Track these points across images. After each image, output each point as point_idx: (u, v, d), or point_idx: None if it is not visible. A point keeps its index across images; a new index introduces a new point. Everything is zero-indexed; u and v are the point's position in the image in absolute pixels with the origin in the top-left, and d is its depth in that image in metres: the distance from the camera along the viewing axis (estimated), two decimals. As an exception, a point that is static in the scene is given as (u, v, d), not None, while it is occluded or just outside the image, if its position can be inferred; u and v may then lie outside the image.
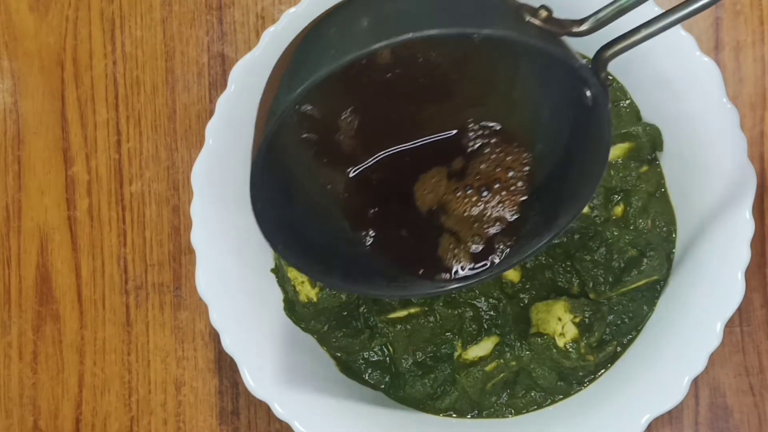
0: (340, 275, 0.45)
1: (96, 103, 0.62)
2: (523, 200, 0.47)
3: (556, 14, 0.37)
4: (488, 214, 0.47)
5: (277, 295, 0.56)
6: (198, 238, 0.53)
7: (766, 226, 0.58)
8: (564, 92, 0.42)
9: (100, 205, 0.62)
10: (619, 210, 0.55)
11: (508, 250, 0.46)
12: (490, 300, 0.55)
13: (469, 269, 0.47)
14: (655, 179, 0.55)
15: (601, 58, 0.38)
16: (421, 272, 0.46)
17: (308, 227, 0.45)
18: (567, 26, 0.37)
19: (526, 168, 0.47)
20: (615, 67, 0.56)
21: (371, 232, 0.47)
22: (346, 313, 0.56)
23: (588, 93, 0.38)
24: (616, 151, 0.55)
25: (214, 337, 0.60)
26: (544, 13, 0.36)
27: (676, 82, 0.53)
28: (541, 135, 0.47)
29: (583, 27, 0.37)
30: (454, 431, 0.55)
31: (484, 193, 0.47)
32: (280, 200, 0.43)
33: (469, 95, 0.47)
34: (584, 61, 0.37)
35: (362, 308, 0.56)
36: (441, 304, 0.55)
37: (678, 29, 0.52)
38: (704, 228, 0.52)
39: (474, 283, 0.46)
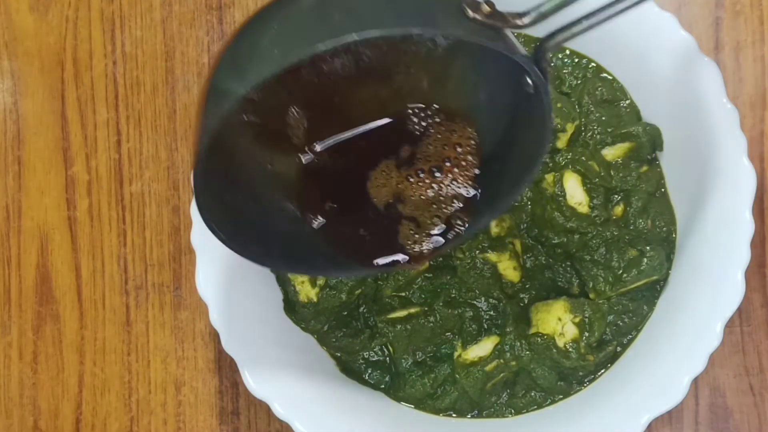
0: (280, 256, 0.45)
1: (96, 103, 0.62)
2: (476, 174, 0.47)
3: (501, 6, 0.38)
4: (445, 193, 0.47)
5: (277, 295, 0.56)
6: (198, 238, 0.53)
7: (766, 226, 0.57)
8: (505, 78, 0.42)
9: (100, 205, 0.62)
10: (619, 210, 0.55)
11: (465, 226, 0.47)
12: (490, 300, 0.55)
13: (426, 248, 0.47)
14: (655, 179, 0.55)
15: (543, 48, 0.39)
16: (376, 262, 0.47)
17: (250, 209, 0.45)
18: (509, 19, 0.38)
19: (473, 142, 0.47)
20: (615, 67, 0.56)
21: (320, 218, 0.47)
22: (346, 313, 0.56)
23: (529, 81, 0.39)
24: (616, 151, 0.55)
25: (214, 337, 0.60)
26: (486, 8, 0.37)
27: (676, 82, 0.53)
28: (482, 115, 0.47)
29: (525, 20, 0.38)
30: (454, 431, 0.55)
31: (437, 174, 0.47)
32: (222, 184, 0.43)
33: (409, 79, 0.47)
34: (525, 52, 0.38)
35: (362, 308, 0.56)
36: (441, 304, 0.55)
37: (678, 29, 0.52)
38: (704, 228, 0.52)
39: (428, 259, 0.47)
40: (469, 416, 0.55)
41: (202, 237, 0.53)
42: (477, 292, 0.55)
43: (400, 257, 0.47)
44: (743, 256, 0.50)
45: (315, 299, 0.55)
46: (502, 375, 0.54)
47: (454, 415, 0.56)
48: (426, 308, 0.55)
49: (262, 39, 0.37)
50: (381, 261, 0.47)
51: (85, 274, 0.62)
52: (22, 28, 0.63)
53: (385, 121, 0.47)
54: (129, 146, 0.62)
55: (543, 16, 0.38)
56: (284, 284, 0.56)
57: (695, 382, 0.50)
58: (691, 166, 0.53)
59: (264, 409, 0.57)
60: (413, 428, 0.55)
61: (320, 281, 0.55)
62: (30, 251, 0.63)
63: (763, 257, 0.57)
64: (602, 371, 0.55)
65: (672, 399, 0.50)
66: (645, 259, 0.54)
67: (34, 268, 0.62)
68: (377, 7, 0.36)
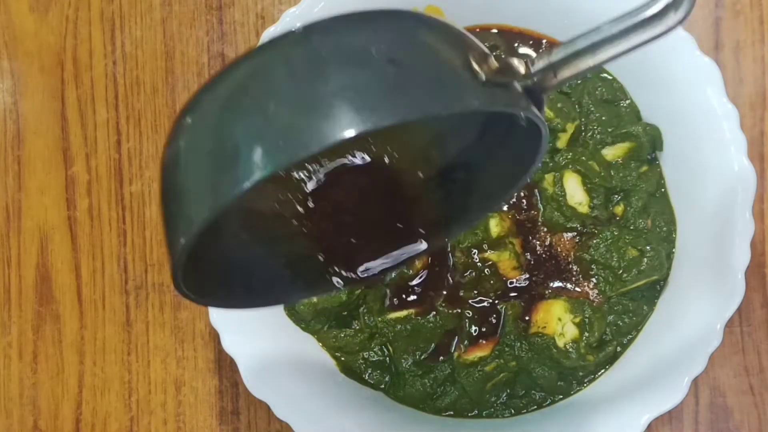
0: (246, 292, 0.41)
1: (96, 103, 0.62)
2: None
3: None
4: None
5: (277, 295, 0.56)
6: (198, 238, 0.53)
7: (766, 226, 0.57)
8: (483, 117, 0.39)
9: (100, 205, 0.62)
10: (619, 210, 0.55)
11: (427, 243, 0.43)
12: (490, 300, 0.55)
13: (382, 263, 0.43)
14: (655, 179, 0.55)
15: (543, 87, 0.34)
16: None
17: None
18: (518, 72, 0.33)
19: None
20: (615, 67, 0.56)
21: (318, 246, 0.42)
22: (345, 313, 0.56)
23: (524, 120, 0.35)
24: (616, 151, 0.55)
25: (214, 337, 0.60)
26: (494, 63, 0.33)
27: (676, 82, 0.53)
28: (444, 144, 0.42)
29: (534, 70, 0.33)
30: (454, 431, 0.55)
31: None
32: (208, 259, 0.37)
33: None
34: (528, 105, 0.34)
35: (362, 308, 0.56)
36: (441, 303, 0.55)
37: (678, 29, 0.52)
38: (704, 228, 0.52)
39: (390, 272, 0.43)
40: (469, 416, 0.55)
41: (202, 237, 0.53)
42: (476, 292, 0.55)
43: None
44: (743, 256, 0.50)
45: (315, 299, 0.55)
46: (502, 375, 0.54)
47: (453, 415, 0.56)
48: (426, 308, 0.55)
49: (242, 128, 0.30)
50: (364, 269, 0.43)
51: (85, 274, 0.62)
52: (22, 28, 0.63)
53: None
54: (129, 146, 0.62)
55: (553, 68, 0.33)
56: (284, 284, 0.56)
57: (695, 382, 0.50)
58: (691, 165, 0.53)
59: (264, 409, 0.57)
60: (413, 428, 0.55)
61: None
62: (30, 251, 0.63)
63: (763, 257, 0.57)
64: (602, 371, 0.55)
65: (672, 399, 0.50)
66: (645, 259, 0.54)
67: (34, 268, 0.62)
68: (382, 89, 0.30)
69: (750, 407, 0.57)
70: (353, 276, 0.43)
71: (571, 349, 0.53)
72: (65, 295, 0.62)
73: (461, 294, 0.55)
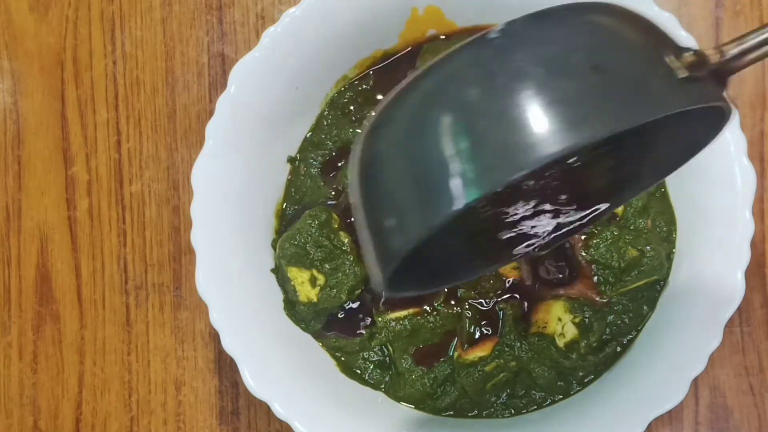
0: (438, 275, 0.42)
1: (96, 103, 0.62)
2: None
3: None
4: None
5: (277, 295, 0.56)
6: (198, 238, 0.53)
7: (766, 226, 0.57)
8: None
9: (100, 205, 0.62)
10: (619, 210, 0.55)
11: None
12: (490, 300, 0.55)
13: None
14: (655, 179, 0.55)
15: (730, 69, 0.34)
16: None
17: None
18: (710, 63, 0.33)
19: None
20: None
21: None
22: (342, 315, 0.56)
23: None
24: (616, 151, 0.55)
25: (214, 337, 0.60)
26: (690, 57, 0.32)
27: (676, 82, 0.53)
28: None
29: (726, 58, 0.34)
30: (454, 431, 0.55)
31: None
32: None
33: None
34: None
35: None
36: (441, 303, 0.55)
37: (678, 29, 0.52)
38: (704, 228, 0.52)
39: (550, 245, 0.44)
40: (469, 416, 0.55)
41: (202, 237, 0.53)
42: (475, 293, 0.55)
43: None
44: (743, 256, 0.50)
45: (315, 299, 0.55)
46: (502, 375, 0.54)
47: (454, 415, 0.56)
48: (426, 308, 0.55)
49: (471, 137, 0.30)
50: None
51: (85, 274, 0.62)
52: (22, 28, 0.63)
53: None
54: (129, 146, 0.62)
55: (743, 54, 0.34)
56: (284, 284, 0.56)
57: (695, 382, 0.50)
58: (691, 165, 0.53)
59: (264, 409, 0.57)
60: (413, 428, 0.55)
61: (320, 281, 0.55)
62: (30, 251, 0.63)
63: (763, 257, 0.57)
64: (602, 371, 0.55)
65: (672, 399, 0.50)
66: (645, 259, 0.54)
67: (34, 268, 0.62)
68: (592, 93, 0.30)
69: (750, 407, 0.57)
70: (526, 247, 0.43)
71: (571, 350, 0.53)
72: (65, 295, 0.62)
73: (461, 294, 0.55)
